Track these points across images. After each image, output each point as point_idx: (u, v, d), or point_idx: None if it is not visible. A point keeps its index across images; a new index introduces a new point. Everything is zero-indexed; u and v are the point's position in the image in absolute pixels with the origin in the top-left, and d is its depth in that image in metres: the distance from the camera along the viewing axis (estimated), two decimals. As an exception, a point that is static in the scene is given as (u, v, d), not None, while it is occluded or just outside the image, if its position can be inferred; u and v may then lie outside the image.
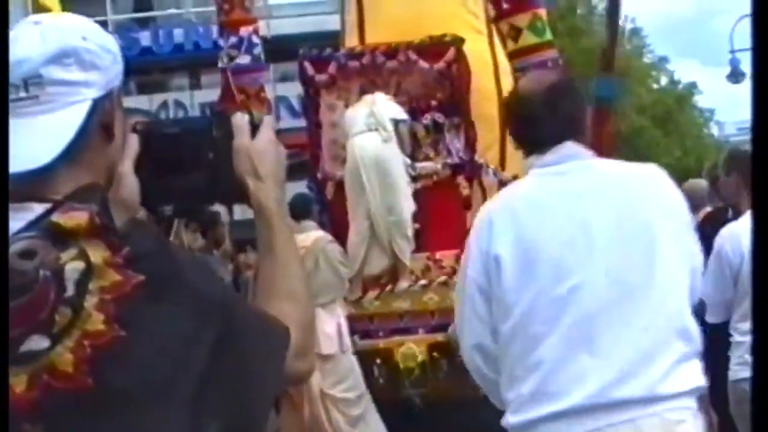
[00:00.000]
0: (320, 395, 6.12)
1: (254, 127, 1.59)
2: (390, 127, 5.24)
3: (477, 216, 2.76)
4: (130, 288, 1.27)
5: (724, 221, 4.64)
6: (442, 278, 5.16)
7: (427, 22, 5.50)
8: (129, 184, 1.50)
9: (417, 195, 5.31)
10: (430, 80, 5.42)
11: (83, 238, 1.29)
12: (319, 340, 5.72)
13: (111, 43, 1.47)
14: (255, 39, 6.51)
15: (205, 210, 7.15)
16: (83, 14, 1.51)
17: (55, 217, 1.30)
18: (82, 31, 1.43)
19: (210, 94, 15.47)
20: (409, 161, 5.32)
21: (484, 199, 4.84)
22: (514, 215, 2.61)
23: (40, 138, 1.36)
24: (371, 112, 5.25)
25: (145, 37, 21.57)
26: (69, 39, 1.40)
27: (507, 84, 5.29)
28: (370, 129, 5.23)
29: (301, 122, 6.39)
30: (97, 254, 1.28)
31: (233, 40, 6.45)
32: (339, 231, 5.64)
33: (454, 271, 4.66)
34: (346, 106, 5.48)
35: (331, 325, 5.98)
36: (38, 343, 1.25)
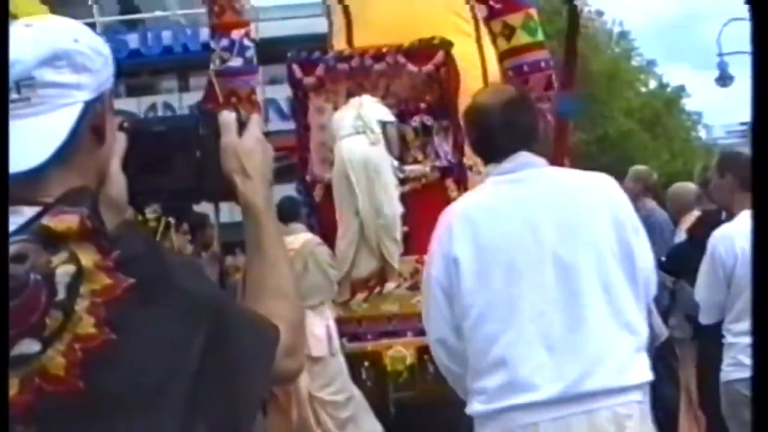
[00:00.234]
0: (309, 398, 6.10)
1: (241, 125, 1.60)
2: (378, 129, 5.24)
3: (439, 219, 2.90)
4: (121, 291, 1.27)
5: (718, 223, 4.65)
6: (431, 281, 5.16)
7: (415, 24, 5.51)
8: (117, 182, 1.49)
9: (405, 198, 5.31)
10: (419, 83, 5.43)
11: (74, 241, 1.28)
12: (309, 342, 5.70)
13: (102, 45, 1.47)
14: (247, 42, 6.50)
15: (193, 210, 7.13)
16: (70, 17, 1.50)
17: (46, 221, 1.30)
18: (74, 34, 1.42)
19: (199, 96, 15.37)
20: (397, 164, 5.33)
21: (473, 201, 4.84)
22: (471, 220, 2.79)
23: (31, 140, 1.36)
24: (358, 114, 5.26)
25: (133, 40, 21.52)
26: (61, 41, 1.40)
27: (496, 87, 5.29)
28: (358, 132, 5.23)
29: (290, 125, 6.39)
30: (88, 257, 1.28)
31: (225, 42, 6.44)
32: (327, 233, 5.64)
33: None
34: (335, 108, 5.49)
35: (321, 328, 5.96)
36: (29, 346, 1.24)
